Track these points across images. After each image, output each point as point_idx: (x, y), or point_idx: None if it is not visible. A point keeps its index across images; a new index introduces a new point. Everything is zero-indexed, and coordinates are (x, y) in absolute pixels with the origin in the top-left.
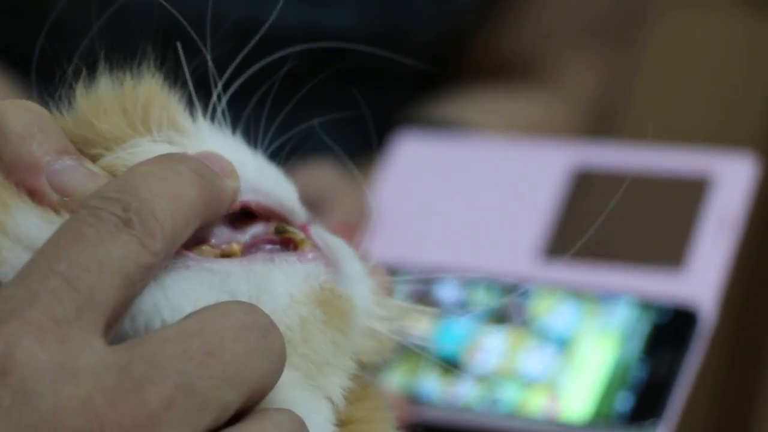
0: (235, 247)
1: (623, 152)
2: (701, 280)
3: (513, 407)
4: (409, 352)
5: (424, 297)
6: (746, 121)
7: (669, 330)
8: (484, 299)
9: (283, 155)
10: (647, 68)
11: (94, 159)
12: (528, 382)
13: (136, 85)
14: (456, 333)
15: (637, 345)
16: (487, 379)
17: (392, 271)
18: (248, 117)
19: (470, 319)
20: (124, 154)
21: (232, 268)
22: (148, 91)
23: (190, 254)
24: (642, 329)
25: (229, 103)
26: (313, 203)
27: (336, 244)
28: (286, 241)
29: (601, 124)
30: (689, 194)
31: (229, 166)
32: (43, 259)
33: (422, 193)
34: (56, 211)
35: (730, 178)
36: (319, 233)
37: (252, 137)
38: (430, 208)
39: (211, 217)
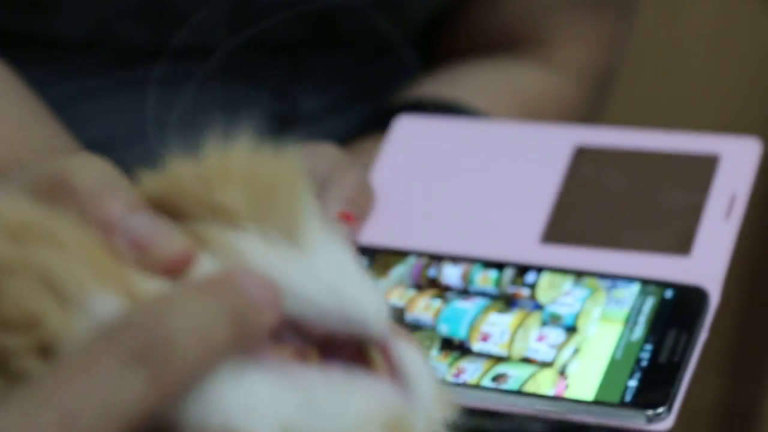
0: (312, 353)
1: (628, 135)
2: (708, 262)
3: (520, 387)
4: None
5: (425, 276)
6: (755, 112)
7: (676, 312)
8: (489, 282)
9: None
10: (652, 52)
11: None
12: (535, 363)
13: (272, 160)
14: (464, 313)
15: (643, 327)
16: (493, 359)
17: (396, 251)
18: (252, 90)
19: (476, 303)
20: (222, 233)
21: (313, 375)
22: (282, 173)
23: (269, 353)
24: (648, 311)
25: (230, 74)
26: (316, 181)
27: (413, 362)
28: (361, 357)
29: (601, 100)
30: (696, 177)
31: (272, 294)
32: (47, 384)
33: (422, 176)
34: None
35: (737, 160)
36: (398, 350)
37: (257, 109)
38: (432, 190)
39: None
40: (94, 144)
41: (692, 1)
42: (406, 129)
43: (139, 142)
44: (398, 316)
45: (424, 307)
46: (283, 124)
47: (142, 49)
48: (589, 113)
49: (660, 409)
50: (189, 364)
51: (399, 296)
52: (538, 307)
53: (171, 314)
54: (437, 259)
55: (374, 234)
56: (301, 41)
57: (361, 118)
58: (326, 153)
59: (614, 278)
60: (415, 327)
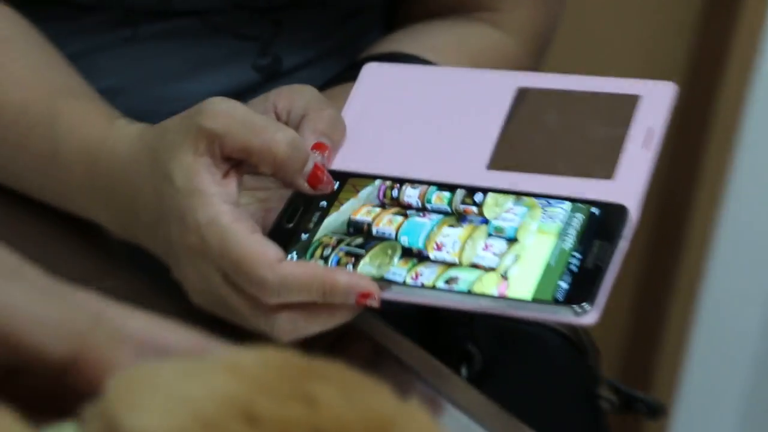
0: None
1: (563, 79)
2: (629, 185)
3: (469, 289)
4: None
5: (392, 196)
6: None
7: (601, 226)
8: (443, 201)
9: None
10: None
11: None
12: (482, 268)
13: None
14: (422, 226)
15: (573, 238)
16: (445, 265)
17: (363, 176)
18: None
19: (432, 218)
20: None
21: None
22: None
23: None
24: (577, 221)
25: (221, 31)
26: (294, 116)
27: None
28: None
29: (540, 56)
30: (619, 113)
31: None
32: None
33: (386, 114)
34: None
35: (654, 100)
36: None
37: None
38: (395, 125)
39: None
40: (102, 91)
41: None
42: (373, 74)
43: (141, 89)
44: (366, 229)
45: (387, 222)
46: (267, 76)
47: (144, 10)
48: (530, 67)
49: (586, 306)
50: None
51: (366, 213)
52: (485, 221)
53: None
54: (399, 182)
55: (345, 161)
56: (284, 4)
57: (334, 71)
58: (303, 92)
59: (549, 198)
60: (380, 238)
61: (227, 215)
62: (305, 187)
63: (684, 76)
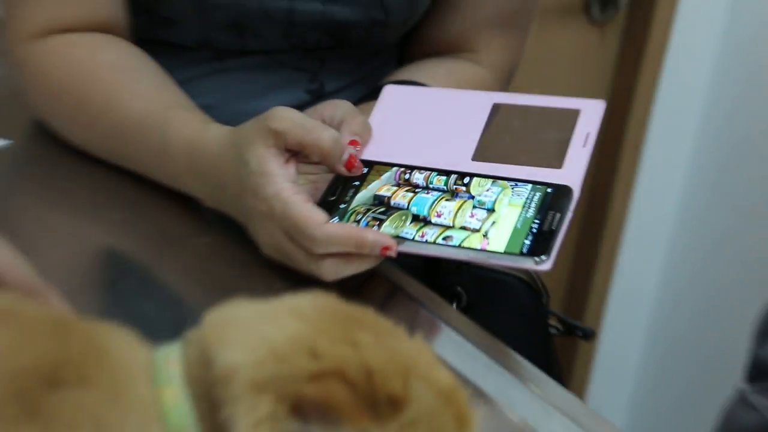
0: None
1: (525, 97)
2: (573, 172)
3: (460, 244)
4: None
5: (405, 178)
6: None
7: (554, 201)
8: (441, 183)
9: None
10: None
11: None
12: (469, 230)
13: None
14: (426, 200)
15: (534, 209)
16: (443, 227)
17: (384, 164)
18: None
19: (434, 194)
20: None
21: None
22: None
23: None
24: (537, 197)
25: (282, 65)
26: (336, 121)
27: None
28: None
29: (507, 84)
30: (565, 122)
31: None
32: None
33: (400, 121)
34: None
35: (590, 112)
36: None
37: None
38: (407, 128)
39: None
40: (199, 107)
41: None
42: (390, 93)
43: (226, 106)
44: (386, 201)
45: (401, 197)
46: (315, 97)
47: (230, 49)
48: (500, 90)
49: (543, 257)
50: None
51: (386, 190)
52: (471, 197)
53: None
54: (410, 168)
55: (372, 153)
56: (327, 46)
57: (363, 93)
58: (342, 104)
59: (516, 181)
60: (396, 208)
61: (288, 190)
62: (343, 171)
63: (606, 97)
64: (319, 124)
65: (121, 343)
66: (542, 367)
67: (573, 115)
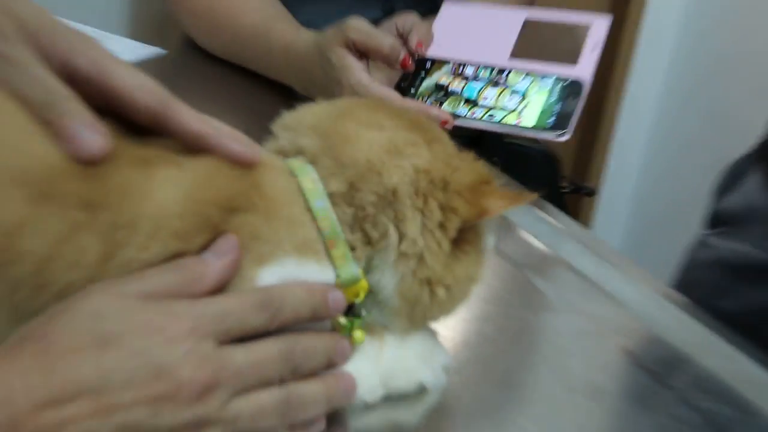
0: None
1: (550, 12)
2: (584, 69)
3: (500, 120)
4: (454, 96)
5: (458, 72)
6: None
7: (571, 90)
8: (486, 74)
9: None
10: None
11: None
12: (507, 110)
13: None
14: (475, 87)
15: (556, 95)
16: (485, 107)
17: (443, 60)
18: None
19: (480, 82)
20: None
21: None
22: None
23: None
24: (559, 87)
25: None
26: (406, 28)
27: None
28: None
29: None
30: (580, 32)
31: (338, 304)
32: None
33: (456, 28)
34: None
35: (598, 25)
36: None
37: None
38: (461, 33)
39: None
40: (303, 24)
41: None
42: (448, 8)
43: (321, 23)
44: (445, 88)
45: (456, 84)
46: (386, 14)
47: None
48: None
49: (564, 131)
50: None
51: (445, 79)
52: (508, 86)
53: (287, 296)
54: (463, 64)
55: (434, 52)
56: None
57: (426, 9)
58: (411, 16)
59: (543, 74)
60: (453, 93)
61: (366, 78)
62: (398, 68)
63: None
64: (381, 33)
65: (276, 177)
66: None
67: (585, 27)
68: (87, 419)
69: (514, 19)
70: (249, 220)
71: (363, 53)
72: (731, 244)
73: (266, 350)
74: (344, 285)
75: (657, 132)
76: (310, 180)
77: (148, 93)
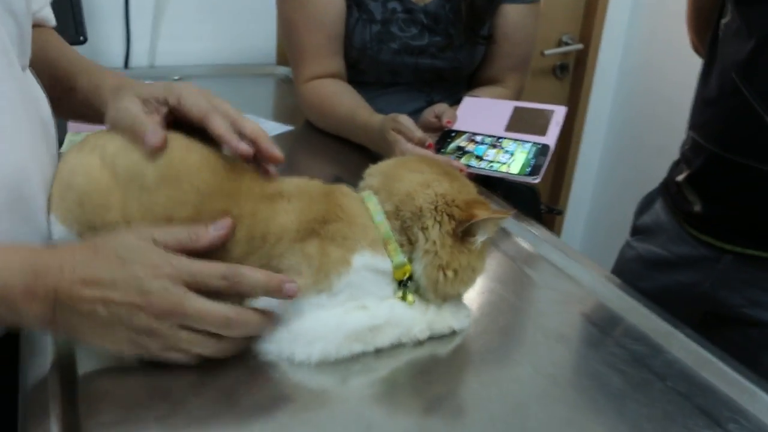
0: None
1: (529, 103)
2: (551, 137)
3: (497, 169)
4: (468, 154)
5: (471, 139)
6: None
7: (541, 151)
8: (487, 140)
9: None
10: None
11: None
12: (501, 163)
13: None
14: (481, 149)
15: (528, 155)
16: (488, 161)
17: (462, 131)
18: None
19: (484, 145)
20: None
21: None
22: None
23: None
24: (534, 149)
25: (411, 88)
26: (440, 112)
27: None
28: None
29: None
30: (547, 115)
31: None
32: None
33: (471, 112)
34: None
35: (559, 111)
36: None
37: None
38: (474, 115)
39: None
40: (378, 110)
41: None
42: (467, 100)
43: (387, 110)
44: (462, 150)
45: (470, 146)
46: (428, 103)
47: (388, 82)
48: (516, 100)
49: (536, 176)
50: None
51: (463, 143)
52: (502, 148)
53: (247, 276)
54: (474, 134)
55: (458, 126)
56: (434, 79)
57: (453, 100)
58: (443, 105)
59: (523, 141)
60: (467, 152)
61: (410, 146)
62: (419, 150)
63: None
64: (416, 128)
65: (350, 198)
66: None
67: (551, 112)
68: (100, 303)
69: (507, 107)
70: (338, 227)
71: (405, 137)
72: (646, 246)
73: (216, 306)
74: (396, 267)
75: (601, 173)
76: (373, 203)
77: (200, 108)
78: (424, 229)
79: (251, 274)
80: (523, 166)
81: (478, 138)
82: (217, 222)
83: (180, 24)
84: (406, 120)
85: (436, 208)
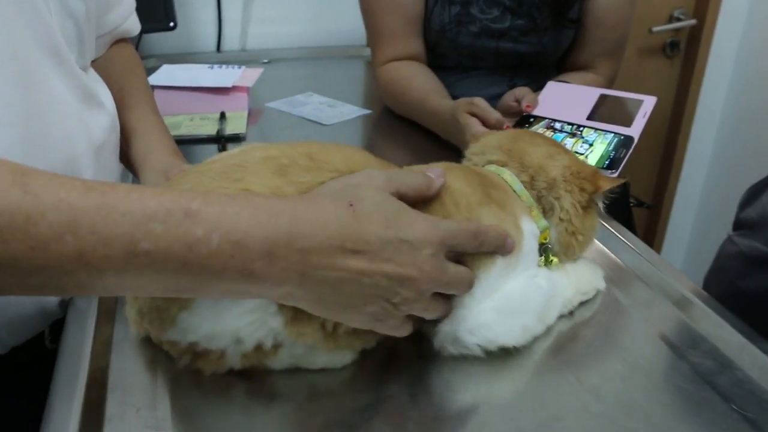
0: None
1: (616, 91)
2: (636, 129)
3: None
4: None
5: (550, 126)
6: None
7: (624, 143)
8: (567, 128)
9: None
10: None
11: None
12: (578, 153)
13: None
14: (560, 137)
15: (613, 145)
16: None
17: (542, 117)
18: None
19: (564, 133)
20: None
21: None
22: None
23: None
24: (615, 140)
25: (493, 73)
26: (520, 96)
27: None
28: None
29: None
30: (636, 104)
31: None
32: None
33: (553, 98)
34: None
35: (648, 101)
36: None
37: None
38: (558, 101)
39: None
40: (458, 95)
41: None
42: (550, 85)
43: (467, 94)
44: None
45: (549, 133)
46: (510, 87)
47: (469, 66)
48: (607, 87)
49: (613, 171)
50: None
51: (541, 130)
52: (582, 137)
53: (490, 233)
54: (554, 120)
55: (537, 111)
56: (516, 63)
57: (537, 87)
58: (524, 89)
59: (605, 131)
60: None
61: (482, 129)
62: (504, 128)
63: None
64: (492, 110)
65: (486, 171)
66: (626, 225)
67: (639, 101)
68: (354, 274)
69: (593, 94)
70: (498, 194)
71: (480, 120)
72: (749, 242)
73: (462, 268)
74: (542, 231)
75: (714, 165)
76: (508, 175)
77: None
78: (557, 198)
79: (491, 231)
80: (602, 158)
81: (558, 125)
82: (432, 169)
83: (270, 7)
84: (481, 102)
85: (565, 179)
